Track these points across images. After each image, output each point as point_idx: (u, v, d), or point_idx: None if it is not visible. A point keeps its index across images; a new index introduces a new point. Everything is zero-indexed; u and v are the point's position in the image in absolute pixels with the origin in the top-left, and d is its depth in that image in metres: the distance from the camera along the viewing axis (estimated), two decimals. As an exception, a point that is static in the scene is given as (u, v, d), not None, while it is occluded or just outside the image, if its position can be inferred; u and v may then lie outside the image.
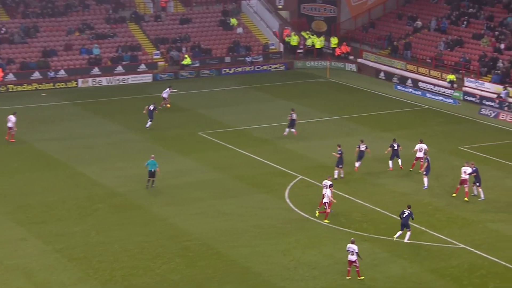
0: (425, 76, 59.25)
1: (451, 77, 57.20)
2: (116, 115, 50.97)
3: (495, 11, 62.57)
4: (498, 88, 54.33)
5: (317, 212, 34.08)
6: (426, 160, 38.07)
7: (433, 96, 56.26)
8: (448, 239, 32.14)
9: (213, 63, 63.71)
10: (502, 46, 58.06)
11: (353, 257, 28.40)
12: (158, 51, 63.39)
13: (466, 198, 36.17)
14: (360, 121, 49.88)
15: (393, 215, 34.41)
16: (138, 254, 30.59)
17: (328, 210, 33.70)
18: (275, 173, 39.93)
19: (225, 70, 62.86)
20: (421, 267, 29.77)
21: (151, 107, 47.60)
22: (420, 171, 38.87)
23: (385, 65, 62.69)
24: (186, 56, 62.63)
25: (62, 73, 59.39)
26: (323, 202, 33.77)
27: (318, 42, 66.80)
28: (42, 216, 34.42)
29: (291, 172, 39.92)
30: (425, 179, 37.72)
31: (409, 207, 32.13)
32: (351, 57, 65.67)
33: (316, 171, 39.85)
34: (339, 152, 38.51)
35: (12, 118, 44.85)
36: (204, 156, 42.64)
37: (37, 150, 43.82)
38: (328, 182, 34.49)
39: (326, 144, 43.68)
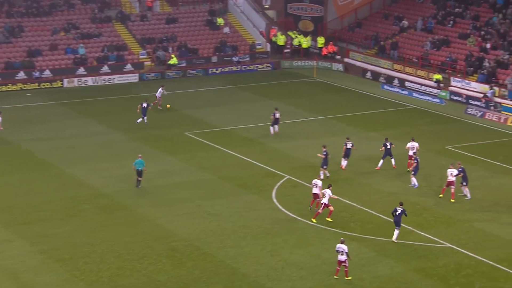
0: (411, 75, 59.39)
1: (438, 76, 57.38)
2: (102, 115, 50.71)
3: (481, 11, 62.82)
4: (484, 87, 54.54)
5: (313, 219, 33.83)
6: (415, 160, 38.17)
7: (419, 96, 56.39)
8: (435, 239, 32.19)
9: (199, 63, 63.56)
10: (488, 45, 58.30)
11: (343, 257, 28.36)
12: (144, 51, 63.16)
13: (452, 200, 36.24)
14: (347, 120, 49.92)
15: (380, 215, 34.44)
16: (125, 255, 30.42)
17: (320, 211, 33.60)
18: (262, 173, 39.86)
19: (211, 70, 62.73)
20: (408, 266, 29.80)
21: (144, 105, 47.59)
22: (408, 169, 38.94)
23: (371, 64, 62.80)
24: (172, 56, 62.44)
25: (47, 73, 59.05)
26: (322, 202, 33.65)
27: (305, 42, 66.81)
28: (27, 217, 34.16)
29: (278, 172, 39.87)
30: (414, 179, 37.79)
31: (401, 204, 32.14)
32: (338, 57, 65.73)
33: (303, 171, 39.82)
34: (324, 153, 38.52)
35: (-3, 118, 44.58)
36: (191, 156, 42.50)
37: (22, 150, 43.52)
38: (319, 182, 34.48)
39: (313, 144, 43.67)
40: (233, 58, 63.93)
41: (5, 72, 58.35)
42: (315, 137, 45.92)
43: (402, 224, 32.31)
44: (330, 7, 69.69)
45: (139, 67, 61.77)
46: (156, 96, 51.58)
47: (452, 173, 36.38)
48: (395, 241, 31.61)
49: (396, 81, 59.17)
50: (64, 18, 64.31)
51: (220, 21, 67.37)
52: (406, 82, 58.35)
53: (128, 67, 61.31)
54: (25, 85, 57.40)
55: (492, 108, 52.27)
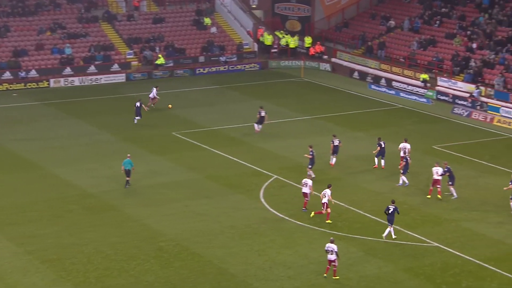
0: (398, 75, 59.55)
1: (424, 76, 57.58)
2: (89, 116, 50.51)
3: (467, 11, 63.10)
4: (471, 87, 54.78)
5: (312, 213, 33.88)
6: (405, 160, 38.32)
7: (406, 96, 56.56)
8: (422, 238, 32.30)
9: (187, 62, 63.45)
10: (474, 45, 58.56)
11: (332, 257, 28.38)
12: (131, 51, 62.97)
13: (439, 196, 36.42)
14: (334, 120, 49.99)
15: (368, 214, 34.52)
16: (112, 255, 30.32)
17: (324, 211, 33.59)
18: (250, 173, 39.85)
19: (199, 70, 62.64)
20: (396, 266, 29.87)
21: (137, 104, 47.57)
22: (398, 167, 39.11)
23: (359, 64, 62.92)
24: (159, 55, 62.30)
25: (33, 73, 58.75)
26: (322, 202, 33.62)
27: (292, 42, 66.86)
28: (13, 217, 33.97)
29: (266, 172, 39.87)
30: (402, 177, 37.94)
31: (393, 202, 32.23)
32: (325, 57, 65.81)
33: (291, 171, 39.84)
34: (311, 153, 38.55)
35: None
36: (179, 156, 42.43)
37: (8, 150, 43.26)
38: (309, 181, 34.51)
39: (300, 143, 43.68)
40: (221, 58, 63.87)
41: (-9, 72, 58.07)
42: (303, 137, 45.95)
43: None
44: (317, 7, 69.78)
45: (126, 67, 61.58)
46: (150, 97, 51.50)
47: (437, 171, 36.55)
48: (385, 239, 31.71)
49: (383, 81, 59.33)
50: (50, 18, 64.01)
51: (207, 21, 67.30)
52: (393, 82, 58.51)
53: (115, 67, 61.11)
54: (11, 85, 57.07)
55: (478, 107, 52.52)
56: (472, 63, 56.53)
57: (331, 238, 29.17)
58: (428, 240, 32.09)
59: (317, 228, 33.05)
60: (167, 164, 41.08)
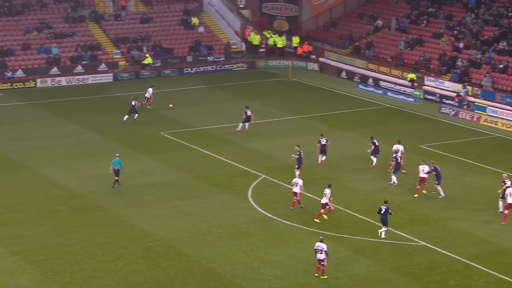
0: (386, 75, 59.70)
1: (412, 76, 57.75)
2: (76, 116, 50.30)
3: (454, 11, 63.36)
4: (458, 86, 55.01)
5: (325, 216, 33.60)
6: (394, 159, 38.46)
7: (394, 95, 56.71)
8: (410, 237, 32.39)
9: (174, 62, 63.33)
10: (461, 45, 58.81)
11: (321, 256, 28.40)
12: (118, 51, 62.79)
13: (424, 191, 36.63)
14: (322, 120, 50.05)
15: (356, 214, 34.58)
16: (100, 256, 30.21)
17: (323, 212, 33.51)
18: (238, 173, 39.83)
19: (186, 70, 62.53)
20: (384, 265, 29.95)
21: (133, 103, 47.68)
22: (388, 170, 39.23)
23: (346, 64, 63.02)
24: (147, 55, 62.14)
25: (20, 73, 58.44)
26: (322, 203, 33.58)
27: (280, 42, 66.88)
28: (0, 218, 33.74)
29: (254, 171, 39.85)
30: (393, 177, 38.07)
31: (385, 202, 32.30)
32: (313, 57, 65.87)
33: (279, 170, 39.85)
34: (298, 153, 38.57)
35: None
36: (167, 156, 42.33)
37: (-5, 151, 43.05)
38: (300, 181, 34.50)
39: (288, 143, 43.69)
40: (208, 57, 63.79)
41: (-23, 72, 57.72)
42: (291, 136, 45.97)
43: (377, 223, 32.46)
44: (305, 6, 69.84)
45: (113, 67, 61.38)
46: (145, 97, 51.38)
47: (423, 169, 36.72)
48: (383, 236, 31.74)
49: (370, 81, 59.45)
50: (37, 17, 63.70)
51: (194, 20, 67.20)
52: (381, 82, 58.65)
53: (102, 67, 60.89)
54: (-3, 85, 56.83)
55: (465, 107, 52.73)
56: (459, 63, 56.77)
57: (321, 237, 29.20)
58: (415, 239, 32.18)
59: (305, 227, 33.07)
60: (155, 164, 40.97)
